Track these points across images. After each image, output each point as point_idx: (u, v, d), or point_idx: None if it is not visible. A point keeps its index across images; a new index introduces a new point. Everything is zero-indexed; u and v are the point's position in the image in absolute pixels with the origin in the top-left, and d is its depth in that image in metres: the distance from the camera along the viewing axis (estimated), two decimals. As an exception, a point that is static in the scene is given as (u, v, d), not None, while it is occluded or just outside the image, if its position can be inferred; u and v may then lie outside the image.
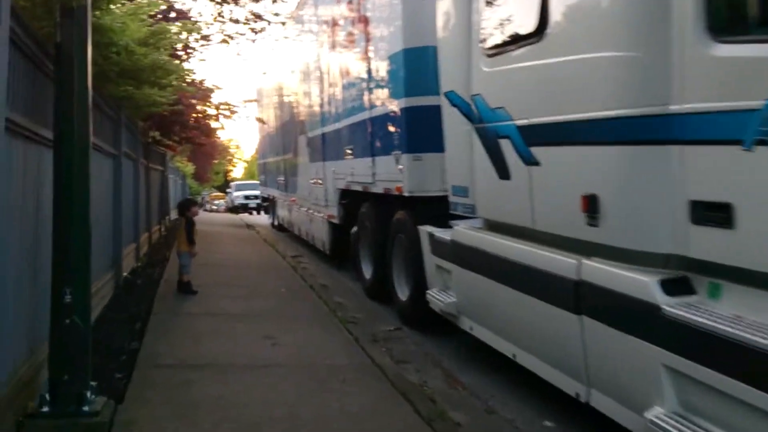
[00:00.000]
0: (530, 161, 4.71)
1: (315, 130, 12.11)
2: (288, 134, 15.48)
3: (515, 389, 5.51)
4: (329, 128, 10.91)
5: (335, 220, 10.60)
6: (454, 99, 5.92)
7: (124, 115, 8.60)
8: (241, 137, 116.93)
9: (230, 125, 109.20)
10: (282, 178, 16.51)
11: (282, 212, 17.52)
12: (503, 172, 5.11)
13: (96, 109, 6.97)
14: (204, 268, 10.54)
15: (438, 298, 6.47)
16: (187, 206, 9.05)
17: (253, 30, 14.53)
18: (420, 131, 7.07)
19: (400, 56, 7.25)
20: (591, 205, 4.03)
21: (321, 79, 11.50)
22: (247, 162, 74.18)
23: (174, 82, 8.00)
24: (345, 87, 9.85)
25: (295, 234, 15.54)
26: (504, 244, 5.07)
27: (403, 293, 7.82)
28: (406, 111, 7.12)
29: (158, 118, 12.31)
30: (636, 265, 3.74)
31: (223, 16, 13.54)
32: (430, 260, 6.82)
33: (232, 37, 13.73)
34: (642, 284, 3.59)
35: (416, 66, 7.07)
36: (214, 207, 46.32)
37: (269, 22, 14.61)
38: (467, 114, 5.70)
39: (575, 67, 4.13)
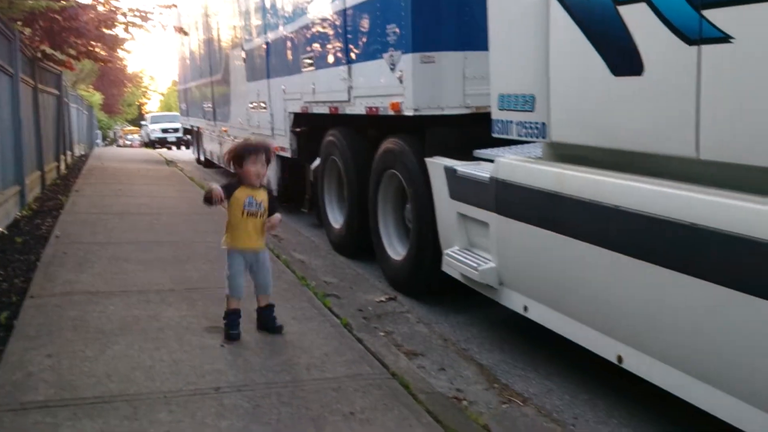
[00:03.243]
0: (703, 36, 2.60)
1: (255, 39, 9.57)
2: (216, 51, 12.78)
3: (608, 399, 3.58)
4: (277, 34, 8.41)
5: (286, 153, 8.29)
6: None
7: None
8: (155, 67, 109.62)
9: (143, 47, 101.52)
10: (209, 105, 13.85)
11: (210, 145, 14.90)
12: (627, 61, 2.99)
13: None
14: (114, 218, 8.09)
15: (464, 261, 4.43)
16: (241, 156, 3.94)
17: None
18: (433, 19, 4.81)
19: None
20: None
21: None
22: (163, 94, 69.55)
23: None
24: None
25: (229, 171, 13.05)
26: (634, 187, 2.99)
27: (394, 251, 5.72)
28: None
29: (46, 22, 9.45)
30: None
31: None
32: (448, 207, 4.72)
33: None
34: None
35: None
36: (128, 143, 42.89)
37: None
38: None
39: None
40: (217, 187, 3.86)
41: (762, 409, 2.45)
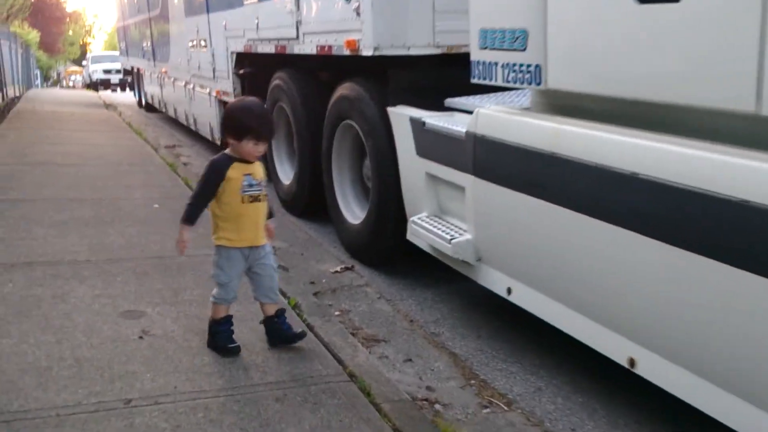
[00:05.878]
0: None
1: (193, -33, 8.53)
2: (153, -19, 11.58)
3: (606, 402, 3.00)
4: (215, -40, 7.42)
5: (229, 98, 7.39)
6: None
7: None
8: (99, 5, 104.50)
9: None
10: (148, 44, 12.68)
11: (151, 88, 13.77)
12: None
13: None
14: (33, 169, 7.15)
15: (434, 231, 3.75)
16: (242, 131, 2.88)
17: None
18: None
19: None
20: None
21: None
22: (107, 33, 66.36)
23: None
24: None
25: (171, 116, 12.04)
26: (663, 150, 2.31)
27: (352, 213, 5.01)
28: None
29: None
30: None
31: None
32: (414, 166, 4.02)
33: None
34: None
35: None
36: (71, 84, 40.81)
37: None
38: None
39: None
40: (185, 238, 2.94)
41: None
